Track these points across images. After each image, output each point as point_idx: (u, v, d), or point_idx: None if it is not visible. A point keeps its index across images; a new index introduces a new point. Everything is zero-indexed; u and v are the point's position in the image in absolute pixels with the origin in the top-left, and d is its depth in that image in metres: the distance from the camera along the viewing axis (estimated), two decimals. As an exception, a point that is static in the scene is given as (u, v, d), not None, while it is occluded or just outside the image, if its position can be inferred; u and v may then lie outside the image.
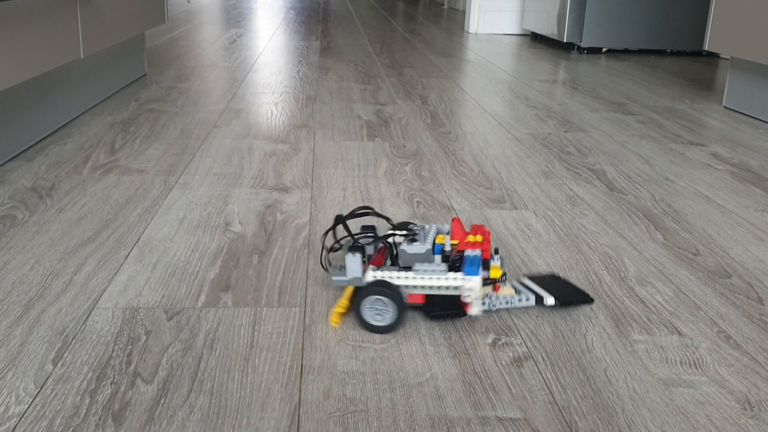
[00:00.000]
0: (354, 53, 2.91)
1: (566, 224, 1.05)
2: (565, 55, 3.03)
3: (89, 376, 0.64)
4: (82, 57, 1.49)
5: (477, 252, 0.75)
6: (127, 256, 0.89)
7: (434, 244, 0.77)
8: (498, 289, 0.77)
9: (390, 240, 0.77)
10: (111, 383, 0.63)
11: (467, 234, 0.78)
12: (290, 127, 1.60)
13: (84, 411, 0.59)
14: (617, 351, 0.71)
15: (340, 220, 0.78)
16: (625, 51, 3.21)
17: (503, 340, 0.72)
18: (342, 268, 0.77)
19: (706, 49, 1.96)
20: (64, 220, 1.00)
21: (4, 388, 0.61)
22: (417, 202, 1.12)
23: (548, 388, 0.64)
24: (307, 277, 0.85)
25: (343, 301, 0.74)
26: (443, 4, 6.09)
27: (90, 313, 0.75)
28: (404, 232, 0.77)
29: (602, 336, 0.73)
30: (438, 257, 0.76)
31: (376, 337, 0.72)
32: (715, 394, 0.64)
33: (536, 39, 3.61)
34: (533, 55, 2.98)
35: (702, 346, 0.72)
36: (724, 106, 1.98)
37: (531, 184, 1.24)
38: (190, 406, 0.60)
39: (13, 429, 0.56)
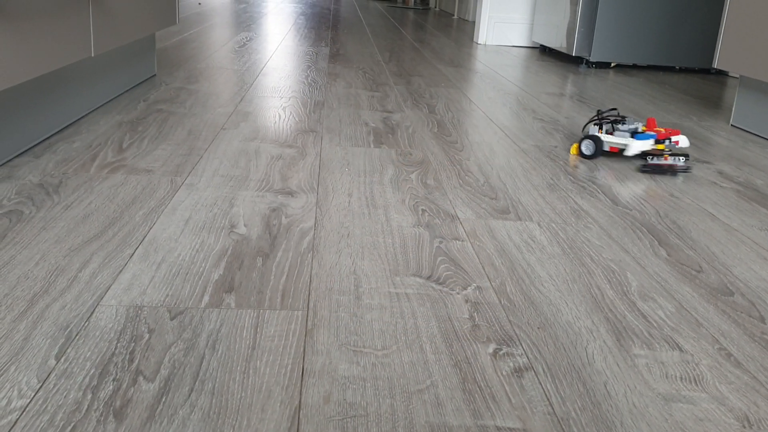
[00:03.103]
0: (363, 60, 2.92)
1: (570, 237, 1.05)
2: (573, 68, 3.04)
3: (92, 372, 0.64)
4: (93, 56, 1.50)
5: (651, 133, 1.52)
6: (132, 254, 0.89)
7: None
8: (666, 159, 1.48)
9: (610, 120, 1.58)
10: (113, 380, 0.63)
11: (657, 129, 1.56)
12: (297, 132, 1.60)
13: (86, 407, 0.59)
14: (618, 365, 0.71)
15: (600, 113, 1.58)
16: (634, 66, 3.21)
17: (504, 350, 0.72)
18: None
19: (715, 67, 1.96)
20: (70, 217, 1.01)
21: (7, 382, 0.62)
22: (422, 210, 1.13)
23: (548, 399, 0.64)
24: (310, 281, 0.85)
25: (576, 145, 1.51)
26: (453, 15, 6.11)
27: (94, 310, 0.75)
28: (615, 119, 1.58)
29: (603, 349, 0.73)
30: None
31: (378, 342, 0.72)
32: (715, 411, 0.64)
33: (545, 52, 3.62)
34: (542, 68, 2.98)
35: (703, 362, 0.72)
36: (732, 125, 1.99)
37: (536, 195, 1.24)
38: (191, 406, 0.60)
39: (15, 422, 0.57)
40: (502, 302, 0.83)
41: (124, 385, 0.62)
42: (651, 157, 1.50)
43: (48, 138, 1.42)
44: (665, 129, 1.55)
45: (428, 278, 0.88)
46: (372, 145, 1.52)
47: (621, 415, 0.62)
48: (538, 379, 0.67)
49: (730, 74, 3.12)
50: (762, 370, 0.72)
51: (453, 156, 1.48)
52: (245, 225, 1.02)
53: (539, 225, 1.09)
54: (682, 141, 1.55)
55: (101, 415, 0.58)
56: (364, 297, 0.82)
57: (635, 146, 1.49)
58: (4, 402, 0.59)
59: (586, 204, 1.21)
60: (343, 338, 0.72)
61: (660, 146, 1.52)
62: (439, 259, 0.94)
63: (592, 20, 3.01)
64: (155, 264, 0.87)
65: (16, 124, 1.29)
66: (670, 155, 1.49)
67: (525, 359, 0.71)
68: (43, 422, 0.57)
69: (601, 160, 1.51)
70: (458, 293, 0.84)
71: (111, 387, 0.62)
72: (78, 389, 0.61)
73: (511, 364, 0.69)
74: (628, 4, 2.99)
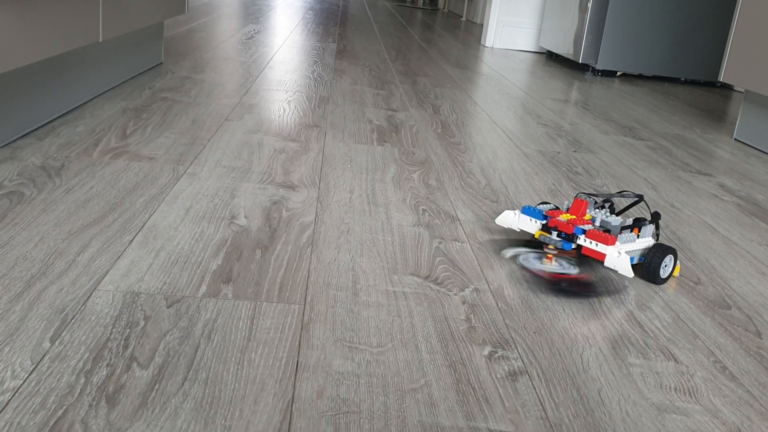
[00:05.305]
0: (369, 58, 2.92)
1: (570, 243, 1.05)
2: (579, 75, 3.04)
3: (86, 356, 0.64)
4: (100, 41, 1.50)
5: (539, 210, 1.01)
6: (132, 241, 0.89)
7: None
8: (549, 259, 0.98)
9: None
10: (107, 365, 0.63)
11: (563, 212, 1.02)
12: (301, 126, 1.60)
13: (78, 390, 0.59)
14: (612, 373, 0.71)
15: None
16: (640, 76, 3.21)
17: (499, 353, 0.72)
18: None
19: (720, 80, 1.96)
20: (71, 200, 1.01)
21: (1, 362, 0.62)
22: (422, 210, 1.12)
23: (541, 404, 0.64)
24: (308, 275, 0.85)
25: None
26: (461, 17, 6.11)
27: (91, 294, 0.75)
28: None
29: (598, 357, 0.73)
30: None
31: (373, 339, 0.72)
32: (708, 423, 0.64)
33: (551, 57, 3.62)
34: (547, 74, 2.98)
35: (697, 374, 0.72)
36: (735, 139, 1.99)
37: (537, 200, 1.24)
38: (184, 394, 0.60)
39: (7, 403, 0.56)
40: (499, 305, 0.82)
41: (118, 371, 0.62)
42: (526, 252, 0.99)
43: (52, 121, 1.41)
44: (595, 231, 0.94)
45: (426, 278, 0.88)
46: (375, 143, 1.52)
47: (614, 423, 0.62)
48: (532, 383, 0.67)
49: (735, 88, 3.12)
50: (756, 384, 0.71)
51: (456, 157, 1.48)
52: (246, 216, 1.02)
53: (539, 230, 1.09)
54: (616, 261, 0.90)
55: (93, 400, 0.58)
56: (361, 294, 0.82)
57: (501, 217, 1.03)
58: (-3, 382, 0.59)
59: (586, 211, 1.20)
60: (338, 334, 0.72)
61: (540, 233, 0.98)
62: (438, 259, 0.94)
63: (600, 28, 3.01)
64: (154, 251, 0.87)
65: (21, 105, 1.28)
66: (555, 256, 0.98)
67: (520, 363, 0.70)
68: (35, 404, 0.57)
69: (599, 169, 1.51)
70: (456, 294, 0.84)
71: (104, 372, 0.62)
72: (71, 373, 0.61)
73: (506, 368, 0.69)
74: (637, 13, 2.99)
